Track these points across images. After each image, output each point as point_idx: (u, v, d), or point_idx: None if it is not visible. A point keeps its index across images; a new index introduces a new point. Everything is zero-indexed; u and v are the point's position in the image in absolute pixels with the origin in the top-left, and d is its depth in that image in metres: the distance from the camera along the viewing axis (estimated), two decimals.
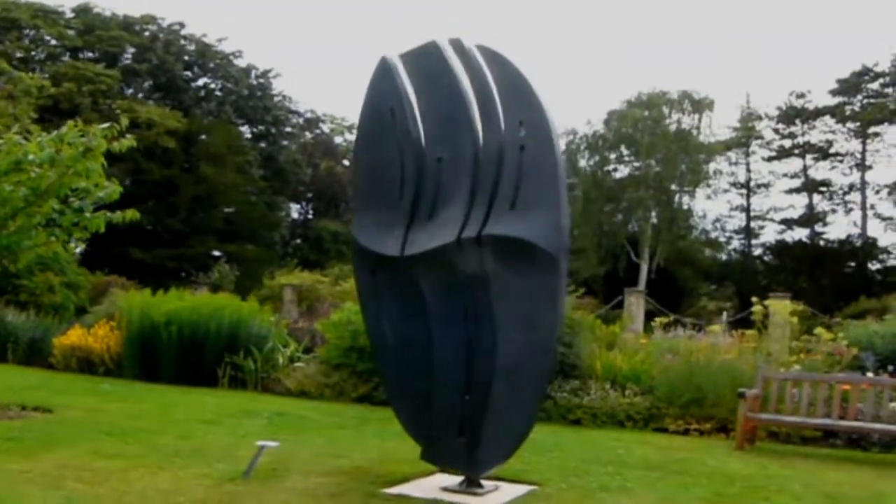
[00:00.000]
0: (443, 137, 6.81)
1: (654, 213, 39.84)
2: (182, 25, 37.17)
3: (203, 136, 35.79)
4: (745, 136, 42.44)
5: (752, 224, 43.90)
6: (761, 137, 43.02)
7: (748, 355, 10.42)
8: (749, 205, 43.73)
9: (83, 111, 32.65)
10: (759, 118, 43.06)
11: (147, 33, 36.18)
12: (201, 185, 35.20)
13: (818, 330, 10.39)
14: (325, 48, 69.04)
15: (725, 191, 43.51)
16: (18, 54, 32.02)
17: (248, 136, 42.07)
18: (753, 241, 44.18)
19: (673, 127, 38.26)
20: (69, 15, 34.52)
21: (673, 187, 39.39)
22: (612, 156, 40.64)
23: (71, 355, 15.12)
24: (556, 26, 66.97)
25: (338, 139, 55.17)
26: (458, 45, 6.90)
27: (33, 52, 33.64)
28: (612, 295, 27.47)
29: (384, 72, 7.00)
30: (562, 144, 6.66)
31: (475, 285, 6.55)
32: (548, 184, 6.42)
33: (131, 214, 9.89)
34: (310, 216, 48.19)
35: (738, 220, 44.31)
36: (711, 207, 57.61)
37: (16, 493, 6.08)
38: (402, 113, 6.87)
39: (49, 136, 9.47)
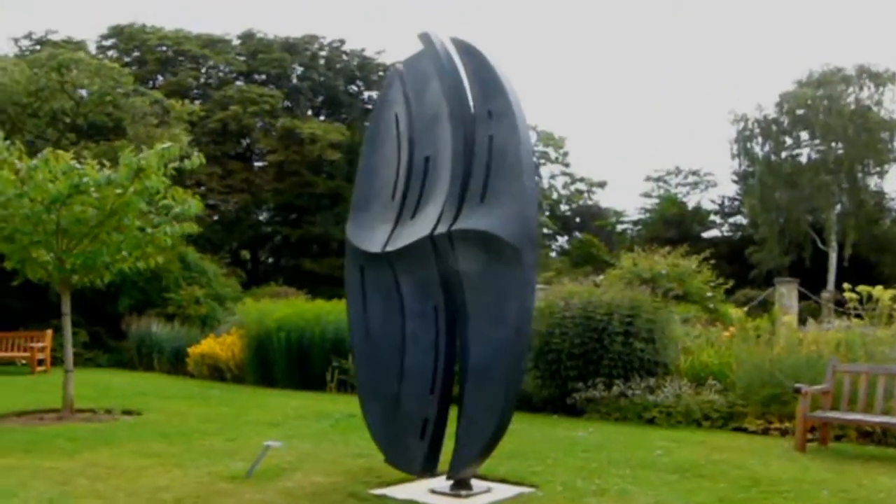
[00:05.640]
0: (430, 136, 6.84)
1: (838, 198, 37.12)
2: (342, 42, 38.55)
3: None
4: None
5: None
6: None
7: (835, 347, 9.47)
8: None
9: (251, 131, 34.73)
10: None
11: (308, 52, 37.80)
12: None
13: None
14: (494, 50, 69.41)
15: None
16: (192, 81, 34.48)
17: None
18: None
19: (851, 105, 35.48)
20: (235, 42, 36.75)
21: (858, 168, 36.51)
22: (788, 140, 38.27)
23: (202, 363, 16.08)
24: (719, 11, 63.89)
25: None
26: (441, 41, 6.84)
27: (208, 80, 36.07)
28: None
29: (391, 80, 7.28)
30: (531, 137, 6.31)
31: (448, 281, 6.47)
32: (513, 173, 6.18)
33: (189, 227, 10.37)
34: None
35: None
36: None
37: (23, 486, 6.58)
38: (405, 118, 6.99)
39: (131, 159, 10.09)
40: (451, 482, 6.61)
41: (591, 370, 10.78)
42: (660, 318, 11.10)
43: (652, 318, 10.96)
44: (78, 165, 9.56)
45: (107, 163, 10.25)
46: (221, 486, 6.65)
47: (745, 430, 9.59)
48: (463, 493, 6.48)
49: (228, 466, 7.41)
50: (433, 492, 6.58)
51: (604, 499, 6.33)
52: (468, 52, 6.62)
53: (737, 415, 9.84)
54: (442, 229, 6.36)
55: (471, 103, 6.55)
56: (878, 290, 9.89)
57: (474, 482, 6.65)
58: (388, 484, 6.79)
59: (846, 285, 10.32)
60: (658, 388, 10.43)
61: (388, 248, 6.73)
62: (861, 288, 10.04)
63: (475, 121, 6.48)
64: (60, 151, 9.96)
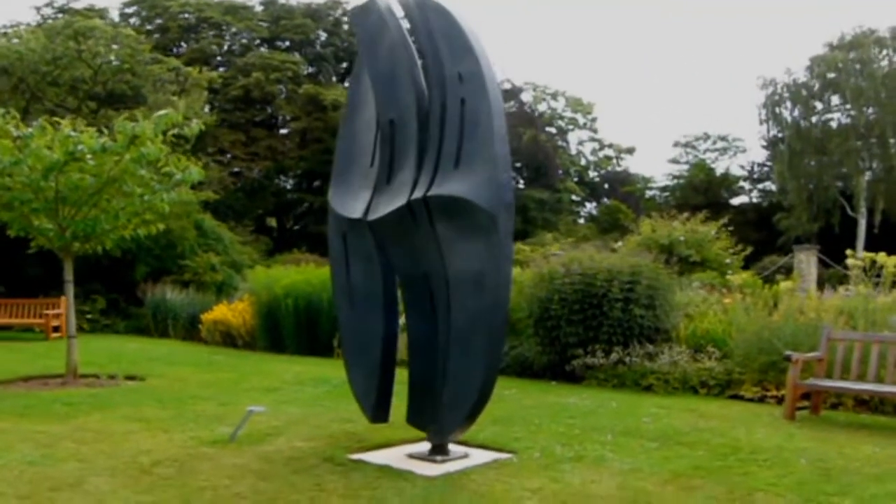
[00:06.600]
0: (390, 98, 6.71)
1: (869, 163, 36.41)
2: None
3: None
4: None
5: None
6: None
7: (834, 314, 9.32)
8: None
9: (274, 98, 34.73)
10: None
11: (331, 18, 37.63)
12: None
13: None
14: (520, 17, 68.69)
15: None
16: (214, 49, 34.53)
17: None
18: None
19: (884, 69, 34.62)
20: (258, 9, 36.69)
21: (889, 133, 35.71)
22: (818, 105, 37.49)
23: (214, 330, 16.23)
24: None
25: (541, 107, 54.96)
26: None
27: (231, 47, 36.09)
28: (826, 254, 25.49)
29: None
30: (499, 97, 6.20)
31: (429, 248, 6.42)
32: (484, 138, 6.10)
33: (186, 194, 10.47)
34: (520, 186, 47.96)
35: None
36: None
37: (8, 448, 6.68)
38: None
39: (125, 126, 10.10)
40: (429, 447, 6.64)
41: (590, 337, 10.72)
42: (661, 284, 10.98)
43: (653, 285, 10.85)
44: (73, 133, 9.60)
45: (105, 130, 10.29)
46: (202, 451, 6.72)
47: (741, 398, 9.51)
48: (439, 458, 6.48)
49: (214, 431, 7.48)
50: (410, 456, 6.59)
51: (579, 465, 6.30)
52: (436, 10, 6.43)
53: (734, 382, 9.75)
54: (418, 195, 6.31)
55: (440, 65, 6.39)
56: (881, 257, 9.70)
57: (453, 447, 6.66)
58: (368, 449, 6.83)
59: (849, 251, 10.15)
60: (657, 355, 10.37)
61: (370, 217, 6.68)
62: (866, 255, 9.85)
63: (446, 84, 6.37)
64: (59, 119, 10.01)
